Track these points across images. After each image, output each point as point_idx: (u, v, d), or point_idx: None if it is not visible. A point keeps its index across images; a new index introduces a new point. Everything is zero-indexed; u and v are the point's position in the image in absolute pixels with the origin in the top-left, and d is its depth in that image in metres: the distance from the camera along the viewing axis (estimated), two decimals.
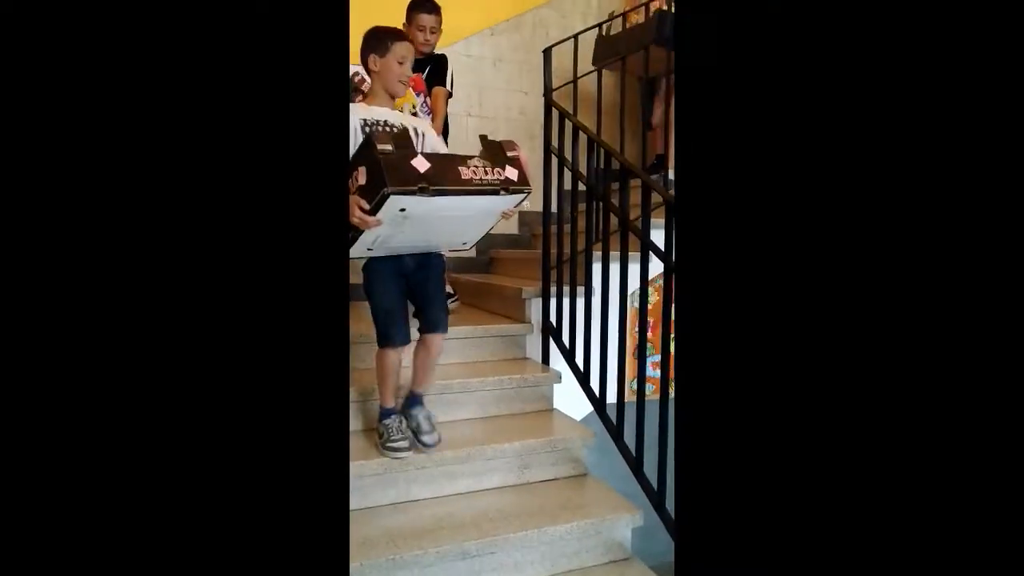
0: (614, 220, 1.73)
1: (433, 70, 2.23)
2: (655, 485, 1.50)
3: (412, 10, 2.20)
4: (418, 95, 2.18)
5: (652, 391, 2.01)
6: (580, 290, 1.92)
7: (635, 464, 1.60)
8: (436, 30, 2.21)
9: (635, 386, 1.73)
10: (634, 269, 1.61)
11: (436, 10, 2.20)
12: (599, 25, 2.60)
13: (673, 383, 1.68)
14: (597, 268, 1.82)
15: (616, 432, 1.69)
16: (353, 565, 1.26)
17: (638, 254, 1.59)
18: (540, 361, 2.08)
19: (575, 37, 2.24)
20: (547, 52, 2.18)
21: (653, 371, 2.12)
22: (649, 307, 2.02)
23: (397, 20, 2.17)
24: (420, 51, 2.12)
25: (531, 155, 2.39)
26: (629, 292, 1.66)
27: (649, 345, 2.11)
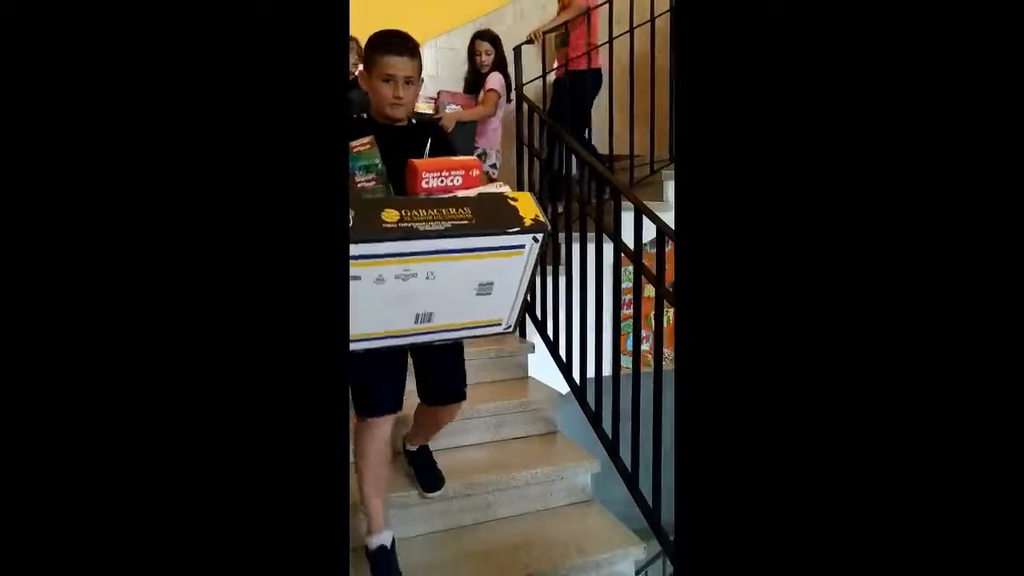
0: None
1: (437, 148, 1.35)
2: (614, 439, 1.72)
3: (373, 51, 1.31)
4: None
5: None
6: (555, 268, 2.13)
7: (593, 418, 1.82)
8: (413, 80, 1.32)
9: (627, 361, 1.73)
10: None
11: (410, 51, 1.30)
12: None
13: (631, 360, 1.88)
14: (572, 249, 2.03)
15: (579, 393, 1.91)
16: None
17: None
18: (517, 333, 2.29)
19: (544, 35, 2.42)
20: (517, 49, 2.36)
21: (645, 345, 2.15)
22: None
23: (361, 15, 2.25)
24: (387, 113, 1.31)
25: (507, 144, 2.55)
26: (623, 268, 1.79)
27: (646, 319, 2.08)
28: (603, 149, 2.61)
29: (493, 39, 2.68)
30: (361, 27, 2.44)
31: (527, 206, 1.10)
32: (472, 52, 2.69)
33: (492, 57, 2.64)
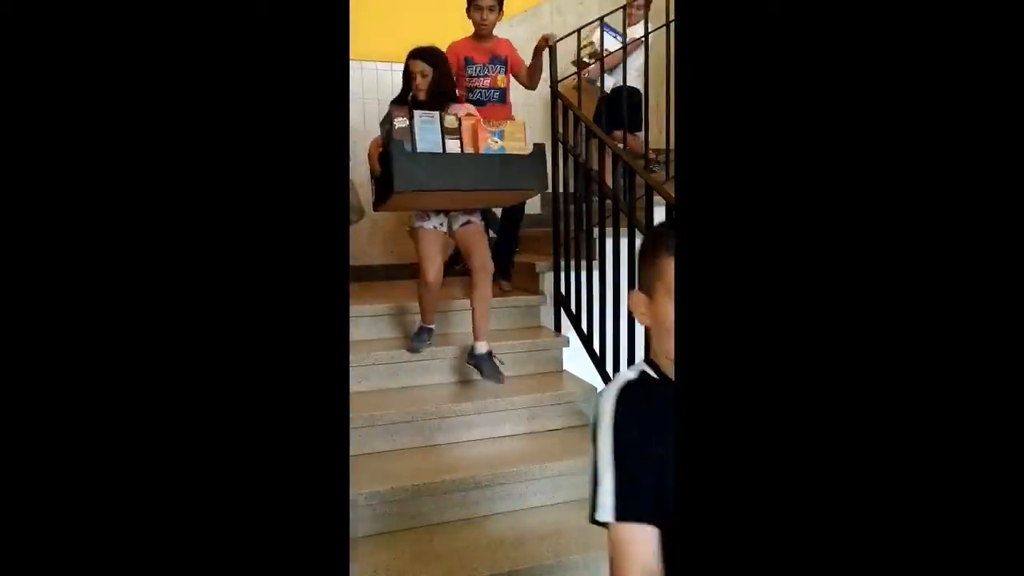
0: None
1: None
2: None
3: (656, 250, 1.39)
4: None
5: None
6: (589, 264, 2.15)
7: None
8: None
9: None
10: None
11: None
12: (600, 19, 2.73)
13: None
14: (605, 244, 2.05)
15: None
16: (383, 488, 1.56)
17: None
18: (552, 328, 2.33)
19: (578, 31, 2.44)
20: (552, 46, 2.38)
21: None
22: None
23: (399, 15, 2.30)
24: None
25: (545, 140, 2.59)
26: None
27: None
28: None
29: (434, 58, 1.98)
30: (393, 34, 2.49)
31: None
32: (408, 74, 1.96)
33: (428, 80, 1.94)
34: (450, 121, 1.76)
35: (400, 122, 1.73)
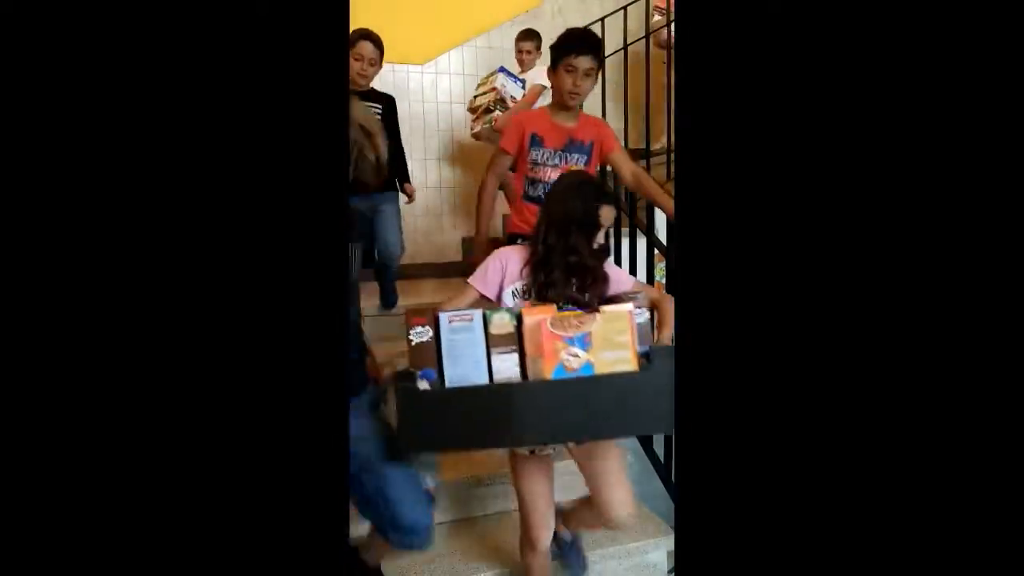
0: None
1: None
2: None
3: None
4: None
5: None
6: None
7: None
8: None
9: None
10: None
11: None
12: (602, 20, 2.74)
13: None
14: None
15: None
16: None
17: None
18: None
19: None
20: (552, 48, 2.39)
21: None
22: None
23: (400, 15, 2.27)
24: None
25: None
26: (656, 264, 1.81)
27: None
28: (640, 142, 2.62)
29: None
30: (398, 29, 2.50)
31: None
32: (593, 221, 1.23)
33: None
34: (499, 324, 1.01)
35: (419, 334, 1.00)
